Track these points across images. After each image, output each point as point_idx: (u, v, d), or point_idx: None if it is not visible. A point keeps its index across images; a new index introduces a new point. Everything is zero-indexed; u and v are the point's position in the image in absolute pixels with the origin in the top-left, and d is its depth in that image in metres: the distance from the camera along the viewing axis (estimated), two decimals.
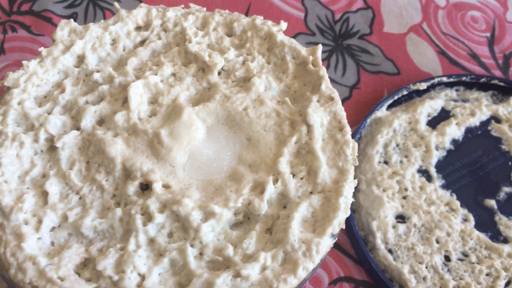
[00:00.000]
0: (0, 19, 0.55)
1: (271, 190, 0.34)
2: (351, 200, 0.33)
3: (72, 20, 0.39)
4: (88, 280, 0.31)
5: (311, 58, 0.38)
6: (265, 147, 0.35)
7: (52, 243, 0.32)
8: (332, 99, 0.37)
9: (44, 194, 0.34)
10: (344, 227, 0.33)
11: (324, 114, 0.36)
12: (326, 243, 0.32)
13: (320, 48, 0.38)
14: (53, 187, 0.34)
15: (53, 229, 0.33)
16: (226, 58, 0.39)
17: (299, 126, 0.36)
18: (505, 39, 0.57)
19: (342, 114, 0.36)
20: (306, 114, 0.36)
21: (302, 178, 0.34)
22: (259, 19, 0.40)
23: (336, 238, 0.32)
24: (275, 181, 0.34)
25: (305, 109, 0.36)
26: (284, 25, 0.40)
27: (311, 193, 0.34)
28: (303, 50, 0.39)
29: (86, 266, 0.32)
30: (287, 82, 0.38)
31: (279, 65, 0.39)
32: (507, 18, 0.59)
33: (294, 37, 0.56)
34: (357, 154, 0.35)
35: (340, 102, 0.36)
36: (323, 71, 0.38)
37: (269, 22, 0.40)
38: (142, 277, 0.31)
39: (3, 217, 0.32)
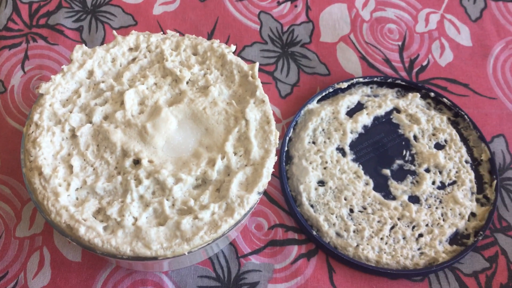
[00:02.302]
0: (23, 31, 0.63)
1: (219, 164, 0.44)
2: (272, 170, 0.44)
3: (83, 45, 0.49)
4: (101, 221, 0.42)
5: (250, 72, 0.48)
6: (217, 135, 0.46)
7: (77, 198, 0.43)
8: (263, 101, 0.47)
9: (70, 167, 0.43)
10: (266, 188, 0.44)
11: (257, 112, 0.46)
12: (253, 198, 0.43)
13: (257, 65, 0.49)
14: (76, 162, 0.44)
15: (77, 189, 0.43)
16: (192, 72, 0.48)
17: (240, 121, 0.45)
18: (412, 47, 0.65)
19: (269, 112, 0.46)
20: (245, 112, 0.45)
21: (240, 156, 0.45)
22: (216, 43, 0.50)
23: (261, 195, 0.43)
24: (223, 158, 0.44)
25: (245, 108, 0.46)
26: (233, 47, 0.50)
27: (245, 165, 0.44)
28: (245, 66, 0.49)
29: (100, 213, 0.42)
30: (234, 89, 0.48)
31: (229, 77, 0.49)
32: (416, 29, 0.66)
33: (251, 45, 0.64)
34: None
35: (269, 104, 0.47)
36: (258, 81, 0.48)
37: (223, 45, 0.50)
38: (135, 219, 0.41)
39: (44, 181, 0.42)
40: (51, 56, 0.63)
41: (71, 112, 0.46)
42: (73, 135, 0.45)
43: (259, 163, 0.45)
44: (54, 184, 0.43)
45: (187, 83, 0.49)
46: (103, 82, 0.48)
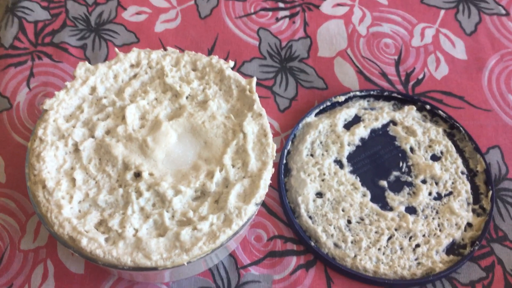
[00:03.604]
0: (29, 50, 0.64)
1: (218, 176, 0.44)
2: (269, 181, 0.45)
3: (86, 62, 0.50)
4: (103, 233, 0.42)
5: (248, 87, 0.49)
6: (216, 148, 0.46)
7: (79, 211, 0.43)
8: (261, 115, 0.47)
9: (73, 180, 0.44)
10: (263, 199, 0.45)
11: (254, 126, 0.47)
12: (251, 208, 0.43)
13: (254, 80, 0.49)
14: (78, 175, 0.44)
15: (79, 202, 0.43)
16: (191, 87, 0.49)
17: (238, 134, 0.46)
18: (408, 61, 0.66)
19: (267, 125, 0.47)
20: (243, 126, 0.46)
21: (238, 168, 0.45)
22: (214, 59, 0.51)
23: (259, 206, 0.44)
24: (221, 170, 0.44)
25: (242, 122, 0.46)
26: (231, 63, 0.51)
27: (243, 177, 0.44)
28: (243, 81, 0.49)
29: (101, 225, 0.43)
30: (232, 103, 0.48)
31: (227, 91, 0.49)
32: (412, 44, 0.67)
33: (250, 60, 0.65)
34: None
35: (266, 117, 0.47)
36: (255, 96, 0.48)
37: (221, 61, 0.51)
38: (136, 230, 0.42)
39: (48, 194, 0.43)
40: (56, 73, 0.64)
41: (74, 127, 0.47)
42: (76, 149, 0.46)
43: (257, 175, 0.45)
44: (57, 196, 0.43)
45: (187, 98, 0.49)
46: (105, 97, 0.49)
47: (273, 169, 0.46)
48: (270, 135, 0.47)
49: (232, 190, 0.44)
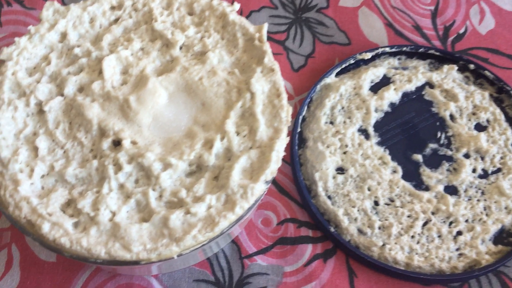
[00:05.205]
0: None
1: (218, 146, 0.39)
2: (283, 153, 0.39)
3: (55, 1, 0.44)
4: (71, 216, 0.37)
5: (257, 35, 0.43)
6: (216, 111, 0.41)
7: (42, 187, 0.38)
8: (273, 70, 0.42)
9: (35, 149, 0.39)
10: (275, 175, 0.39)
11: (265, 83, 0.42)
12: (259, 188, 0.38)
13: (265, 26, 0.44)
14: (42, 143, 0.39)
15: (42, 176, 0.38)
16: (186, 35, 0.44)
17: (244, 93, 0.41)
18: (447, 12, 0.61)
19: (280, 83, 0.42)
20: (250, 83, 0.41)
21: (244, 136, 0.40)
22: (215, 0, 0.45)
23: (269, 184, 0.39)
24: (222, 139, 0.39)
25: (250, 79, 0.42)
26: (236, 6, 0.45)
27: (250, 148, 0.40)
28: (251, 28, 0.44)
29: (69, 206, 0.38)
30: (237, 55, 0.44)
31: (231, 41, 0.44)
32: None
33: (259, 10, 0.60)
34: (290, 118, 0.41)
35: (279, 73, 0.42)
36: (266, 46, 0.43)
37: (224, 3, 0.45)
38: (113, 214, 0.37)
39: (2, 167, 0.38)
40: (27, 22, 0.59)
41: (38, 83, 0.42)
42: (40, 111, 0.41)
43: (267, 146, 0.40)
44: (13, 169, 0.38)
45: (181, 48, 0.44)
46: (78, 46, 0.44)
47: (288, 139, 0.41)
48: (284, 95, 0.42)
49: (235, 164, 0.39)
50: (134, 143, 0.39)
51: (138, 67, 0.43)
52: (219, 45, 0.44)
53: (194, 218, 0.37)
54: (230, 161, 0.39)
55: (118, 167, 0.38)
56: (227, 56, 0.44)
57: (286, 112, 0.41)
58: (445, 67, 0.56)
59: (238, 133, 0.40)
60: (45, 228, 0.36)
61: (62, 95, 0.41)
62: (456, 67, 0.56)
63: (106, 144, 0.39)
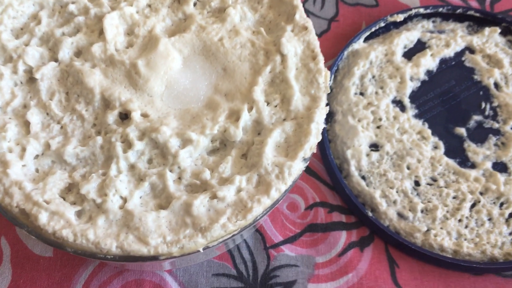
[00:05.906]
0: None
1: (246, 118, 0.35)
2: (323, 126, 0.35)
3: None
4: (73, 204, 0.33)
5: None
6: (240, 77, 0.36)
7: (37, 170, 0.34)
8: (306, 28, 0.37)
9: (26, 124, 0.35)
10: (315, 151, 0.34)
11: (297, 44, 0.37)
12: (298, 166, 0.33)
13: None
14: (35, 117, 0.35)
15: (36, 156, 0.34)
16: None
17: (273, 56, 0.37)
18: None
19: (316, 43, 0.37)
20: (280, 44, 0.37)
21: (276, 106, 0.36)
22: None
23: (308, 162, 0.34)
24: (250, 109, 0.35)
25: (279, 39, 0.37)
26: None
27: (284, 120, 0.35)
28: None
29: (71, 191, 0.33)
30: (262, 12, 0.39)
31: None
32: None
33: None
34: (329, 82, 0.36)
35: (313, 32, 0.37)
36: (297, 1, 0.38)
37: None
38: (124, 200, 0.33)
39: None
40: None
41: (27, 46, 0.37)
42: (31, 79, 0.37)
43: (304, 116, 0.35)
44: (1, 149, 0.34)
45: (195, 4, 0.40)
46: (73, 2, 0.39)
47: (328, 108, 0.36)
48: (321, 58, 0.37)
49: (268, 139, 0.34)
50: (145, 115, 0.35)
51: (146, 26, 0.38)
52: (240, 0, 0.39)
53: (222, 203, 0.33)
54: (260, 135, 0.35)
55: (128, 145, 0.34)
56: (250, 13, 0.39)
57: (325, 77, 0.36)
58: (487, 30, 0.53)
59: (268, 103, 0.36)
60: (43, 218, 0.31)
61: (56, 60, 0.37)
62: (498, 30, 0.53)
63: (111, 117, 0.35)
